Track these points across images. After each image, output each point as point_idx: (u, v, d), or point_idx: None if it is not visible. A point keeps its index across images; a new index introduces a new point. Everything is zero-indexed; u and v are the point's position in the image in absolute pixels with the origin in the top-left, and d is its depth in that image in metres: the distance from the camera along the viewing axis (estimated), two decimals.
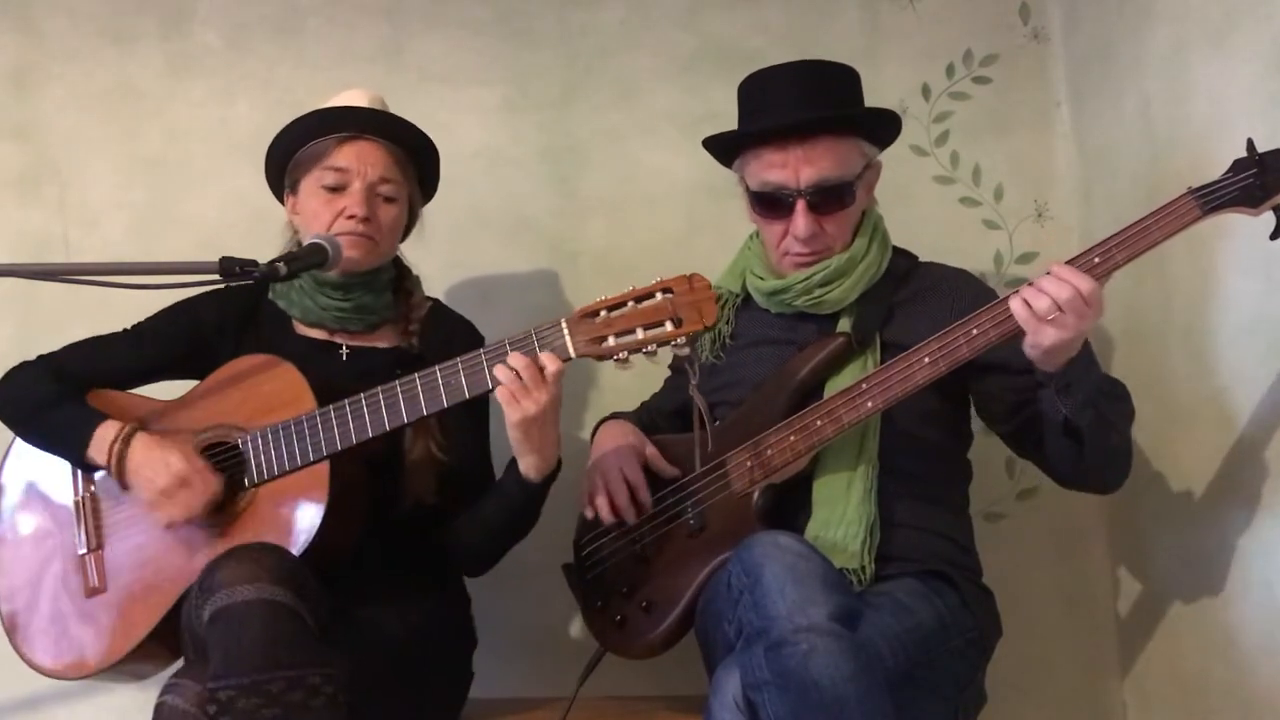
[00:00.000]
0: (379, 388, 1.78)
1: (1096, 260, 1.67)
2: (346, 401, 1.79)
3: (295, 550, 1.73)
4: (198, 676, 1.60)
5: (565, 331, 1.70)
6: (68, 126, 2.55)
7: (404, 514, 1.91)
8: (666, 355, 1.69)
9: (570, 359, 1.71)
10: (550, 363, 1.70)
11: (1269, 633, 1.83)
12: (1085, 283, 1.64)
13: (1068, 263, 1.68)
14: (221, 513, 1.83)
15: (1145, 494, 2.16)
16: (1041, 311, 1.64)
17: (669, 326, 1.64)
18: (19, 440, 1.99)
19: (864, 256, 1.93)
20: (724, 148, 1.97)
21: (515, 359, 1.71)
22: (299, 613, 1.57)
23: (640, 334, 1.66)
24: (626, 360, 1.67)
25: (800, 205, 1.86)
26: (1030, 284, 1.67)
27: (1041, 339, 1.65)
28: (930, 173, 2.49)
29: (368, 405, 1.78)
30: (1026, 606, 2.28)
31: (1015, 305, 1.68)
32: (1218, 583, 1.96)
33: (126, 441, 1.84)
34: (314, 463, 1.79)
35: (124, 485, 1.85)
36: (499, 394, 1.72)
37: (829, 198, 1.87)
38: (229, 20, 2.56)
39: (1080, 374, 1.70)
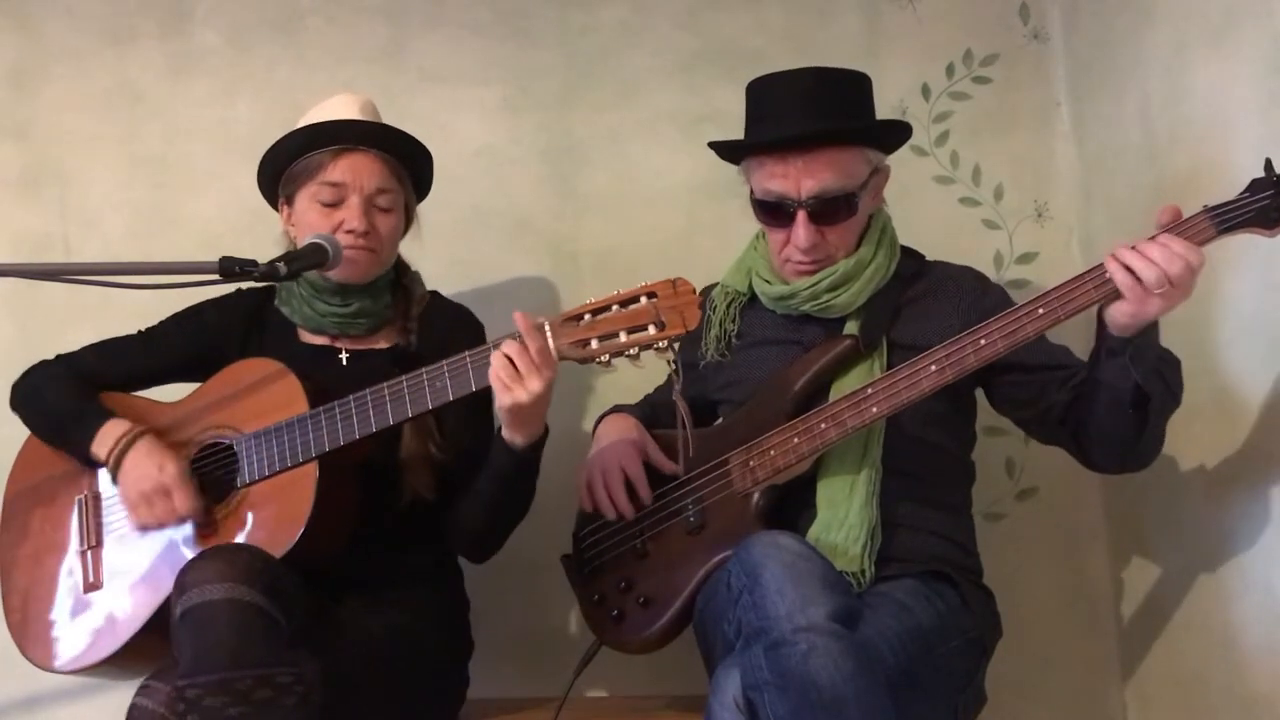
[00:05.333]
0: (368, 390, 1.80)
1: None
2: (336, 403, 1.81)
3: (281, 549, 1.74)
4: (169, 678, 1.61)
5: (549, 335, 1.70)
6: (68, 126, 2.55)
7: (403, 512, 1.91)
8: (650, 359, 1.68)
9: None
10: (541, 340, 1.68)
11: (1269, 633, 1.82)
12: (1197, 256, 1.57)
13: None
14: (213, 513, 1.86)
15: (1145, 494, 2.16)
16: (1151, 284, 1.56)
17: (652, 330, 1.64)
18: (26, 442, 2.03)
19: (871, 261, 1.92)
20: (728, 152, 1.97)
21: (508, 345, 1.69)
22: (269, 612, 1.58)
23: (623, 337, 1.66)
24: (609, 364, 1.67)
25: (801, 216, 1.85)
26: (1133, 249, 1.59)
27: (1148, 309, 1.58)
28: (930, 173, 2.48)
29: (356, 407, 1.80)
30: (1026, 606, 2.28)
31: (1121, 277, 1.59)
32: (1218, 583, 1.96)
33: (131, 442, 1.88)
34: (303, 464, 1.80)
35: (114, 481, 1.89)
36: (490, 377, 1.70)
37: (830, 208, 1.86)
38: (229, 20, 2.56)
39: (1151, 340, 1.66)
